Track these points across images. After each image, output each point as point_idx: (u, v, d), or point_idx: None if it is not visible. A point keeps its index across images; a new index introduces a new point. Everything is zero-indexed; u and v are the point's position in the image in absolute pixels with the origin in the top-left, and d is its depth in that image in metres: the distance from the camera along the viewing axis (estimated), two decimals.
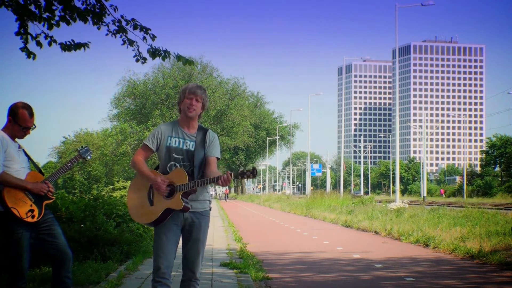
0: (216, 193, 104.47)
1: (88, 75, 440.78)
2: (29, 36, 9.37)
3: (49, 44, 9.45)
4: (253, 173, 5.96)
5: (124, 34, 9.61)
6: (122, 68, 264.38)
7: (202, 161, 6.16)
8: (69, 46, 9.47)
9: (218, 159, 6.21)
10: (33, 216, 6.52)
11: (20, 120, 6.60)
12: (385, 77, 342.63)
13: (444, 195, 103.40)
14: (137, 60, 9.92)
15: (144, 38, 9.60)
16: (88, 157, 7.06)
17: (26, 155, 6.77)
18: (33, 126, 6.71)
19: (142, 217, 6.17)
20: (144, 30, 9.60)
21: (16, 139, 6.70)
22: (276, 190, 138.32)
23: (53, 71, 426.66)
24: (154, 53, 9.73)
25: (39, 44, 9.43)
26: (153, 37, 9.65)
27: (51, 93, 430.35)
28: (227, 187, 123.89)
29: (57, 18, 9.31)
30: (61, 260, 6.66)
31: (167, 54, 9.81)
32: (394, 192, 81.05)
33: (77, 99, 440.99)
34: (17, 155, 6.60)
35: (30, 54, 9.38)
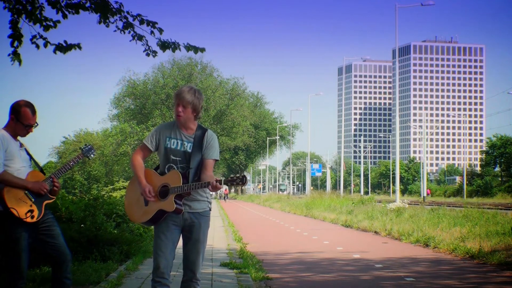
0: (216, 193, 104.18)
1: (88, 75, 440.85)
2: (22, 39, 9.36)
3: (45, 45, 9.46)
4: (242, 180, 5.99)
5: (132, 29, 9.63)
6: (122, 68, 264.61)
7: (199, 163, 6.11)
8: (61, 47, 9.47)
9: (216, 160, 6.16)
10: (32, 217, 6.50)
11: (23, 118, 6.57)
12: (385, 77, 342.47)
13: (430, 195, 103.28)
14: (147, 55, 9.91)
15: (152, 32, 9.62)
16: (92, 155, 7.04)
17: (28, 154, 6.75)
18: (36, 124, 6.70)
19: (136, 216, 6.21)
20: (151, 24, 9.61)
21: (18, 137, 6.68)
22: (281, 190, 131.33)
23: (53, 70, 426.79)
24: (164, 45, 9.75)
25: (34, 43, 9.42)
26: (160, 31, 9.66)
27: (51, 92, 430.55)
28: (226, 187, 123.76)
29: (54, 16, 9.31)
30: (60, 261, 6.64)
31: (177, 45, 9.81)
32: (394, 192, 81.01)
33: (77, 99, 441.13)
34: (18, 154, 6.58)
35: (16, 60, 9.35)
